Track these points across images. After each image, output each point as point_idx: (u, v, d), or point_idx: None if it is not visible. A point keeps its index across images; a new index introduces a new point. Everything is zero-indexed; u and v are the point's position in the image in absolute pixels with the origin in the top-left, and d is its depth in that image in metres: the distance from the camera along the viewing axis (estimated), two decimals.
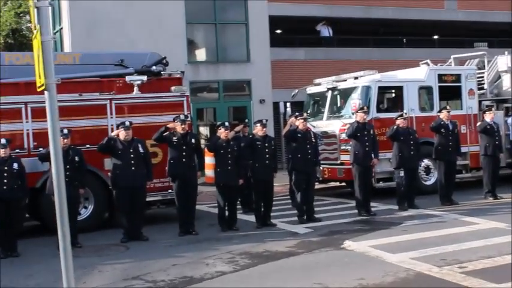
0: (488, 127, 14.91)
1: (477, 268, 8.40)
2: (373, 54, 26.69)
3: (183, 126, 11.90)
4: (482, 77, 18.01)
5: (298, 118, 13.16)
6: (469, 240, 10.13)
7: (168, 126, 11.95)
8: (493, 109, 16.18)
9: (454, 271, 8.26)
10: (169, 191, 12.70)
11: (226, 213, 12.28)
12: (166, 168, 12.05)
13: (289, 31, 28.16)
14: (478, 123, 15.64)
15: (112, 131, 12.28)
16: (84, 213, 12.61)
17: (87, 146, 12.22)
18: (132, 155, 11.50)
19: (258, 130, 12.56)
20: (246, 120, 16.26)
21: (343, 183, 17.29)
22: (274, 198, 13.05)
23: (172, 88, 13.48)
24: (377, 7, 27.05)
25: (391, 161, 14.26)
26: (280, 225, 12.45)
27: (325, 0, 25.93)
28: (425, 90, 16.69)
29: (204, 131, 23.95)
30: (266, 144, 12.46)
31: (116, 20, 21.26)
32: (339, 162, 15.68)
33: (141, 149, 11.64)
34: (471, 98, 17.01)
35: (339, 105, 16.76)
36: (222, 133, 12.18)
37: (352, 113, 14.96)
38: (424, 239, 10.46)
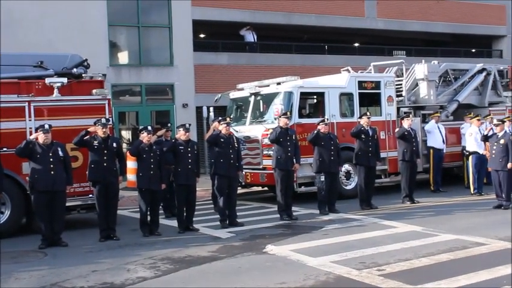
0: (406, 133, 15.32)
1: (395, 271, 8.61)
2: (296, 60, 26.99)
3: (104, 130, 11.73)
4: (401, 84, 18.49)
5: (221, 123, 13.20)
6: (388, 244, 10.38)
7: (88, 129, 11.74)
8: (410, 116, 16.65)
9: (373, 274, 8.45)
10: (90, 195, 12.47)
11: (148, 218, 12.16)
12: (87, 172, 11.84)
13: (213, 35, 28.16)
14: (397, 130, 16.06)
15: (31, 134, 11.93)
16: (1, 218, 12.23)
17: (4, 149, 11.88)
18: (51, 159, 11.22)
19: (180, 134, 12.51)
20: (169, 125, 16.13)
21: (266, 188, 17.41)
22: (196, 203, 13.03)
23: (94, 91, 13.23)
24: (300, 14, 27.38)
25: (312, 166, 14.43)
26: (202, 230, 12.42)
27: (248, 6, 26.04)
28: (346, 97, 16.99)
29: (126, 134, 23.67)
30: (189, 149, 12.42)
31: (33, 20, 20.76)
32: (261, 166, 15.77)
33: (60, 153, 11.37)
34: (390, 105, 17.43)
35: (261, 110, 16.87)
36: (144, 137, 12.06)
37: (275, 118, 15.07)
38: (344, 243, 10.65)
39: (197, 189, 12.98)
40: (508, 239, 10.40)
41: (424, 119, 18.14)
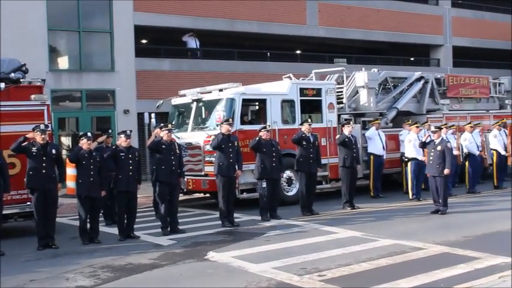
0: (347, 140, 15.52)
1: (335, 276, 8.71)
2: (238, 67, 27.03)
3: (43, 136, 11.52)
4: (341, 91, 18.73)
5: (162, 129, 13.11)
6: (329, 249, 10.50)
7: (27, 136, 11.52)
8: (351, 122, 16.84)
9: (314, 279, 8.53)
10: (28, 203, 12.20)
11: (88, 225, 11.98)
12: (25, 179, 11.59)
13: (156, 41, 27.97)
14: (337, 136, 16.24)
15: None
16: None
17: None
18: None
19: (121, 141, 12.39)
20: (110, 131, 15.96)
21: (208, 195, 17.35)
22: (138, 210, 12.92)
23: (32, 96, 12.95)
24: (242, 21, 27.45)
25: (254, 172, 14.47)
26: (143, 237, 12.30)
27: (191, 12, 25.96)
28: (287, 104, 17.10)
29: (66, 141, 23.24)
30: (130, 155, 12.31)
31: None
32: (203, 173, 15.73)
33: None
34: (331, 112, 17.62)
35: (203, 116, 16.82)
36: (84, 144, 11.89)
37: (217, 125, 15.07)
38: (285, 249, 10.71)
39: (138, 196, 12.88)
40: (445, 243, 10.66)
41: (364, 126, 18.41)
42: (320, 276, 8.69)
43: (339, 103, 18.26)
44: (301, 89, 17.24)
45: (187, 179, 15.61)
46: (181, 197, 15.72)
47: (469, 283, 7.84)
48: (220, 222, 13.44)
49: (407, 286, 8.05)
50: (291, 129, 16.07)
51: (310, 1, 29.74)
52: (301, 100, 17.09)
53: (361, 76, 18.80)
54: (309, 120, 15.45)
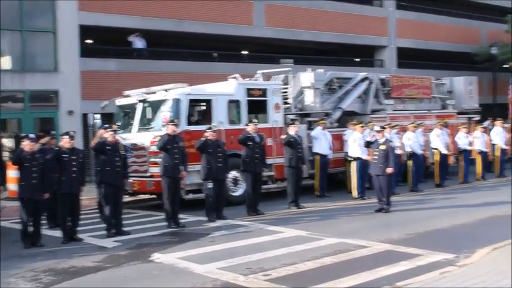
0: (292, 140, 15.61)
1: (281, 275, 8.77)
2: (185, 67, 26.89)
3: None
4: (288, 92, 18.81)
5: (107, 130, 12.97)
6: (274, 249, 10.55)
7: None
8: (296, 123, 16.94)
9: (259, 279, 8.57)
10: None
11: (31, 228, 11.76)
12: None
13: (102, 41, 27.62)
14: (283, 136, 16.32)
15: None
16: None
17: None
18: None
19: (65, 142, 12.21)
20: (53, 132, 15.71)
21: (153, 196, 17.23)
22: (82, 212, 12.76)
23: None
24: (189, 21, 27.34)
25: (200, 173, 14.44)
26: (87, 240, 12.15)
27: (138, 12, 25.73)
28: (234, 104, 17.11)
29: (8, 143, 22.75)
30: (73, 157, 12.13)
31: None
32: (148, 174, 15.62)
33: None
34: (277, 112, 17.72)
35: (149, 117, 16.70)
36: (26, 145, 11.68)
37: (163, 126, 14.99)
38: (231, 249, 10.73)
39: (83, 197, 12.72)
40: (388, 240, 10.84)
41: (310, 126, 18.54)
42: (265, 275, 8.74)
43: (285, 103, 18.35)
44: (248, 90, 17.29)
45: (133, 180, 15.43)
46: (126, 199, 15.62)
47: (411, 279, 7.96)
48: (165, 223, 13.38)
49: (351, 284, 8.15)
50: (237, 130, 16.07)
51: (257, 2, 29.84)
52: (247, 100, 17.14)
53: (307, 76, 18.94)
54: (255, 120, 15.49)
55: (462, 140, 20.23)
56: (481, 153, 20.68)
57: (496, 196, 16.52)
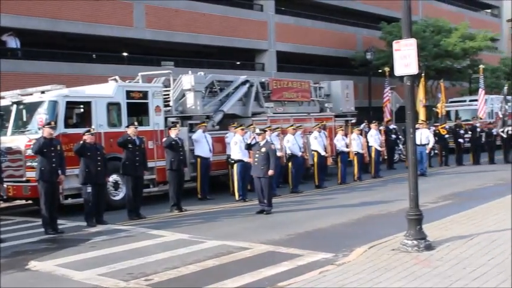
0: (174, 143, 15.54)
1: (162, 279, 8.68)
2: (63, 69, 26.12)
3: None
4: (168, 94, 18.71)
5: None
6: (156, 253, 10.44)
7: None
8: (178, 125, 16.85)
9: (141, 284, 8.44)
10: None
11: None
12: None
13: None
14: (164, 139, 16.21)
15: None
16: None
17: None
18: None
19: None
20: None
21: (30, 201, 16.64)
22: None
23: None
24: (66, 21, 26.56)
25: (78, 177, 14.06)
26: None
27: (11, 10, 24.69)
28: (114, 106, 16.80)
29: None
30: None
31: None
32: (24, 179, 15.07)
33: None
34: (158, 115, 17.56)
35: (24, 120, 16.13)
36: None
37: (39, 128, 14.52)
38: (111, 254, 10.52)
39: None
40: (270, 242, 10.98)
41: (191, 129, 18.51)
42: (147, 280, 8.62)
43: (166, 106, 18.24)
44: (128, 92, 17.04)
45: (7, 185, 14.84)
46: (1, 205, 14.97)
47: (292, 280, 8.08)
48: (43, 229, 12.93)
49: (233, 286, 8.18)
50: (117, 133, 15.79)
51: (137, 2, 29.44)
52: (127, 103, 16.88)
53: (187, 79, 18.88)
54: (135, 123, 15.30)
55: (340, 142, 20.86)
56: (358, 154, 21.36)
57: (373, 196, 17.18)
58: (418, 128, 21.62)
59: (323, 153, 19.95)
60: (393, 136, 26.66)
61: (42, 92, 15.84)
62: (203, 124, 18.26)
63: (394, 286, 7.43)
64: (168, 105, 18.47)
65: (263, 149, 14.65)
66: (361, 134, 22.02)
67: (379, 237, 10.35)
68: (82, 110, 17.10)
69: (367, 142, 22.33)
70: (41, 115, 15.34)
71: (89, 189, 13.66)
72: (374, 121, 24.16)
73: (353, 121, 24.47)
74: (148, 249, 10.87)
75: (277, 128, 18.97)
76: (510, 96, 32.90)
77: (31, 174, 14.44)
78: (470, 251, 9.03)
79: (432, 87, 40.18)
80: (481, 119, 30.30)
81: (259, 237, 11.42)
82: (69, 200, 15.26)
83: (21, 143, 15.18)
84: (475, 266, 8.11)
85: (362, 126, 24.20)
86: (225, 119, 19.94)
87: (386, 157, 25.15)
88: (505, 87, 32.07)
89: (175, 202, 15.50)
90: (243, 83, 20.97)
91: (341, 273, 8.22)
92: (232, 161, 17.37)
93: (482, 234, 10.20)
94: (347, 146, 21.01)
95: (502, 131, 27.57)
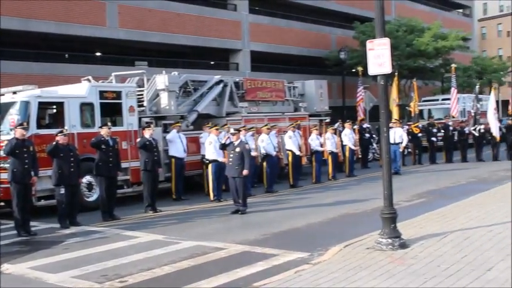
0: (148, 143, 15.45)
1: (137, 281, 8.62)
2: (34, 69, 25.91)
3: None
4: (142, 94, 18.60)
5: None
6: (130, 254, 10.36)
7: None
8: (152, 126, 16.75)
9: (115, 286, 8.39)
10: None
11: None
12: None
13: None
14: (138, 139, 16.11)
15: None
16: None
17: None
18: None
19: None
20: None
21: (2, 203, 16.41)
22: None
23: None
24: (38, 20, 26.34)
25: (51, 178, 13.92)
26: None
27: None
28: (87, 107, 16.63)
29: None
30: None
31: None
32: None
33: None
34: (131, 115, 17.45)
35: None
36: None
37: (11, 129, 14.34)
38: (85, 256, 10.42)
39: None
40: (245, 242, 10.97)
41: (166, 129, 18.41)
42: (121, 282, 8.56)
43: (139, 106, 18.12)
44: (101, 92, 16.89)
45: None
46: None
47: (267, 280, 8.07)
48: (15, 231, 12.77)
49: (209, 286, 8.15)
50: (91, 133, 15.66)
51: (110, 2, 29.27)
52: (100, 103, 16.73)
53: (161, 79, 18.78)
54: (108, 123, 15.17)
55: (314, 141, 20.90)
56: (332, 154, 21.42)
57: (347, 195, 17.25)
58: (391, 127, 21.76)
59: (297, 152, 19.98)
60: (367, 135, 26.83)
61: (14, 93, 15.66)
62: (177, 124, 18.17)
63: (369, 285, 7.45)
64: (142, 106, 18.35)
65: (237, 149, 14.63)
66: (335, 133, 22.08)
67: (354, 236, 10.39)
68: (55, 110, 16.93)
69: (341, 141, 22.42)
70: (13, 116, 15.16)
71: (62, 191, 13.52)
72: (348, 120, 24.28)
73: (327, 120, 24.54)
74: (123, 250, 10.79)
75: (252, 127, 18.96)
76: (482, 95, 33.32)
77: (3, 176, 14.25)
78: (444, 248, 9.11)
79: (405, 87, 40.54)
80: (453, 117, 30.58)
81: (234, 238, 11.40)
82: (42, 202, 15.09)
83: None
84: (449, 263, 8.17)
85: (336, 125, 24.30)
86: (200, 119, 19.87)
87: (360, 156, 25.29)
88: (477, 86, 32.51)
89: (150, 203, 15.42)
90: (217, 82, 20.92)
91: (316, 272, 8.23)
92: (207, 161, 17.31)
93: (455, 231, 10.29)
94: (321, 146, 21.05)
95: (474, 130, 27.88)
